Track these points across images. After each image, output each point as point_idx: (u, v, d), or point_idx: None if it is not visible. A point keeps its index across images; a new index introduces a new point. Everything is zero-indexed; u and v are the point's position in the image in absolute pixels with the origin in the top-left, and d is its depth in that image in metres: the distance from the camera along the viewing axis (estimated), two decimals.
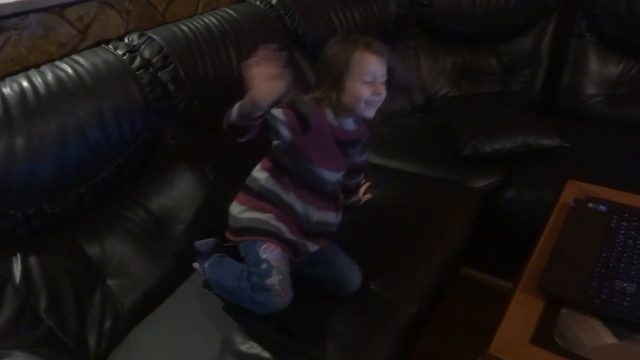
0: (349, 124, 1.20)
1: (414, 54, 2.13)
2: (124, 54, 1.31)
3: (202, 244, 1.24)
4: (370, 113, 1.16)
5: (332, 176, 1.21)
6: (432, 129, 1.94)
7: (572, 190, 1.32)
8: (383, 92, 1.14)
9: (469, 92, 2.10)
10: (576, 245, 1.09)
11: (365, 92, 1.12)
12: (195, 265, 1.26)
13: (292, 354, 1.05)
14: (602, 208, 1.20)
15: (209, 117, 1.52)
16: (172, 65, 1.39)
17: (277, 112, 1.08)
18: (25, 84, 1.11)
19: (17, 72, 1.15)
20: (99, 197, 1.23)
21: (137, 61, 1.31)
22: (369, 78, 1.12)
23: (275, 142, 1.16)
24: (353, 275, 1.20)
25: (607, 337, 0.91)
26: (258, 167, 1.22)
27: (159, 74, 1.36)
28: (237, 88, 1.56)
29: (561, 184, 1.36)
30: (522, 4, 2.03)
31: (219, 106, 1.53)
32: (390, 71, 1.17)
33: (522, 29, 2.08)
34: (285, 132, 1.08)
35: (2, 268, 1.03)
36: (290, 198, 1.16)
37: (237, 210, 1.18)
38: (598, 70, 2.00)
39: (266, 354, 1.05)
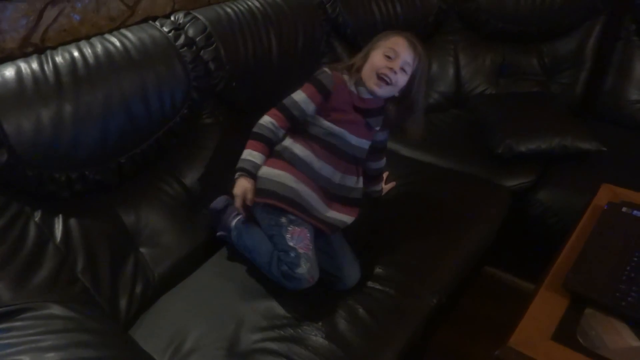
0: (364, 92, 1.26)
1: (453, 49, 2.11)
2: (169, 31, 1.34)
3: (216, 202, 1.31)
4: (377, 88, 1.23)
5: (356, 141, 1.26)
6: (466, 126, 1.93)
7: (606, 194, 1.30)
8: (399, 77, 1.22)
9: (507, 91, 2.07)
10: (606, 248, 1.08)
11: (381, 62, 1.22)
12: (220, 234, 1.30)
13: (308, 334, 1.07)
14: (637, 213, 1.18)
15: (245, 98, 1.56)
16: (214, 45, 1.42)
17: (297, 96, 1.24)
18: (76, 53, 1.16)
19: (69, 43, 1.21)
20: (138, 168, 1.28)
21: (182, 39, 1.35)
22: (391, 53, 1.22)
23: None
24: (351, 273, 1.19)
25: (631, 340, 0.90)
26: None
27: (202, 52, 1.40)
28: (276, 72, 1.61)
29: (595, 188, 1.34)
30: (568, 4, 1.97)
31: (256, 89, 1.58)
32: (411, 78, 1.25)
33: (567, 30, 2.03)
34: (306, 105, 1.22)
35: (45, 227, 1.09)
36: (309, 157, 1.21)
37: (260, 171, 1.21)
38: None
39: (286, 331, 1.08)
